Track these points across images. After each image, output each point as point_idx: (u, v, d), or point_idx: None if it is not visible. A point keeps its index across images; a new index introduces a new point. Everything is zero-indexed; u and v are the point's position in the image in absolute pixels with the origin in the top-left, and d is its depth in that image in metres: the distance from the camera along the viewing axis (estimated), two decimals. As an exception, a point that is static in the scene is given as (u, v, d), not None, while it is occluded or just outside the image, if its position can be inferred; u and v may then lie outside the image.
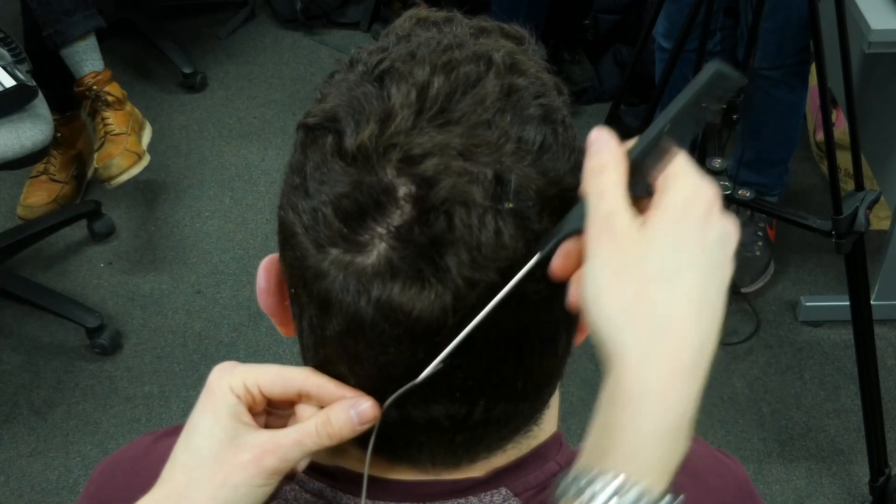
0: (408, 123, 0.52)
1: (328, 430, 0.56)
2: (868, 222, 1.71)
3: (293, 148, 0.58)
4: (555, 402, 0.64)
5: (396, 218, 0.51)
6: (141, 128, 2.39)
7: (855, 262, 1.77)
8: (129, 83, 2.70)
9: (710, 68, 0.51)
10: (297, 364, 0.60)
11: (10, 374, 2.12)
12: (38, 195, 2.46)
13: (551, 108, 0.56)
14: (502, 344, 0.54)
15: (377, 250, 0.52)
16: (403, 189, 0.51)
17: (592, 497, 0.48)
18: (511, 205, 0.52)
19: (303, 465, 0.61)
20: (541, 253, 0.52)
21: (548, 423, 0.64)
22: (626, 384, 0.49)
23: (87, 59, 2.27)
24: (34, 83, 1.94)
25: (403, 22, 0.60)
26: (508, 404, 0.58)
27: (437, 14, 0.60)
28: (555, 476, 0.66)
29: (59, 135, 2.37)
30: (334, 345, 0.56)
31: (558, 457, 0.64)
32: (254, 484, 0.56)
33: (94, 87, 2.28)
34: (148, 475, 0.59)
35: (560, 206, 0.54)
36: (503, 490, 0.62)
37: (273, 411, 0.60)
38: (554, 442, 0.64)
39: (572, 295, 0.52)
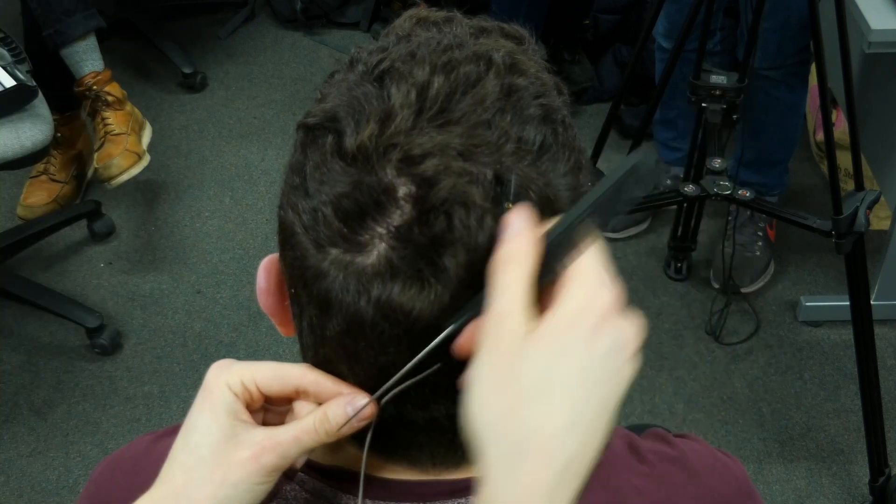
0: (408, 123, 0.52)
1: (326, 427, 0.57)
2: (868, 222, 1.71)
3: (293, 148, 0.58)
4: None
5: (396, 218, 0.52)
6: (141, 128, 2.39)
7: (855, 262, 1.77)
8: (129, 83, 2.70)
9: (630, 161, 0.51)
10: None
11: (10, 374, 2.12)
12: (38, 195, 2.46)
13: (551, 108, 0.56)
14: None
15: (377, 250, 0.52)
16: (403, 189, 0.52)
17: None
18: (511, 205, 0.52)
19: (301, 461, 0.61)
20: (449, 329, 0.52)
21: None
22: (488, 498, 0.49)
23: (87, 59, 2.27)
24: (34, 83, 1.94)
25: (403, 22, 0.60)
26: (508, 404, 0.58)
27: (437, 14, 0.60)
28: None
29: (59, 135, 2.37)
30: (334, 345, 0.56)
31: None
32: (253, 481, 0.56)
33: (94, 87, 2.28)
34: (148, 475, 0.59)
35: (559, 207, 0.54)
36: (503, 490, 0.62)
37: (271, 408, 0.61)
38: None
39: (465, 378, 0.52)
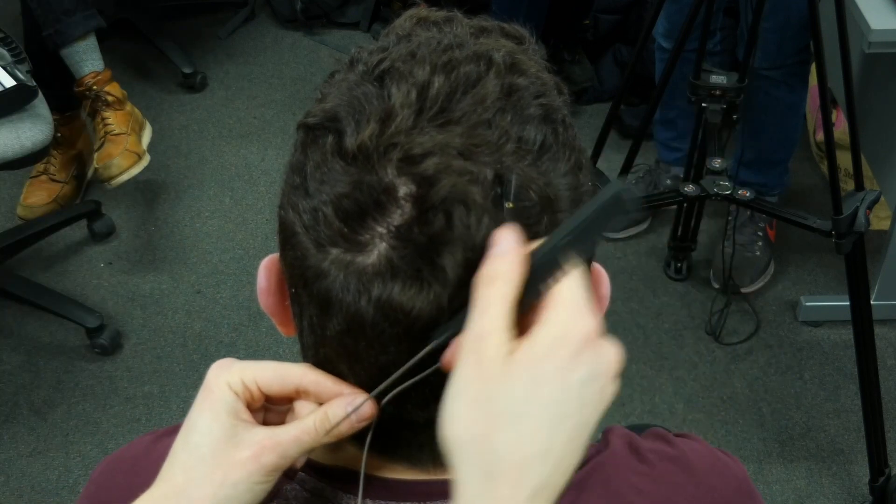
0: (408, 123, 0.52)
1: (326, 427, 0.57)
2: (868, 222, 1.71)
3: (293, 148, 0.58)
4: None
5: (397, 217, 0.52)
6: (141, 128, 2.39)
7: (855, 262, 1.77)
8: (129, 83, 2.70)
9: (611, 189, 0.51)
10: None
11: (10, 374, 2.12)
12: (38, 195, 2.46)
13: (552, 108, 0.56)
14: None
15: (377, 250, 0.52)
16: (404, 188, 0.52)
17: None
18: (511, 205, 0.52)
19: (301, 461, 0.61)
20: (433, 343, 0.53)
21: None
22: None
23: (87, 59, 2.27)
24: (34, 83, 1.94)
25: (404, 22, 0.60)
26: (508, 404, 0.58)
27: (438, 14, 0.60)
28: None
29: (59, 135, 2.37)
30: (334, 344, 0.56)
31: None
32: (253, 481, 0.56)
33: (94, 87, 2.28)
34: (148, 475, 0.59)
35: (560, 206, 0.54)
36: (503, 490, 0.62)
37: (271, 407, 0.61)
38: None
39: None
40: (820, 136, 2.51)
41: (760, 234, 2.32)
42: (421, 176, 0.51)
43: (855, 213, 1.70)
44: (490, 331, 0.50)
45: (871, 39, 1.75)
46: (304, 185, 0.55)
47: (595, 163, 1.99)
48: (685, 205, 2.17)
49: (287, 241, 0.56)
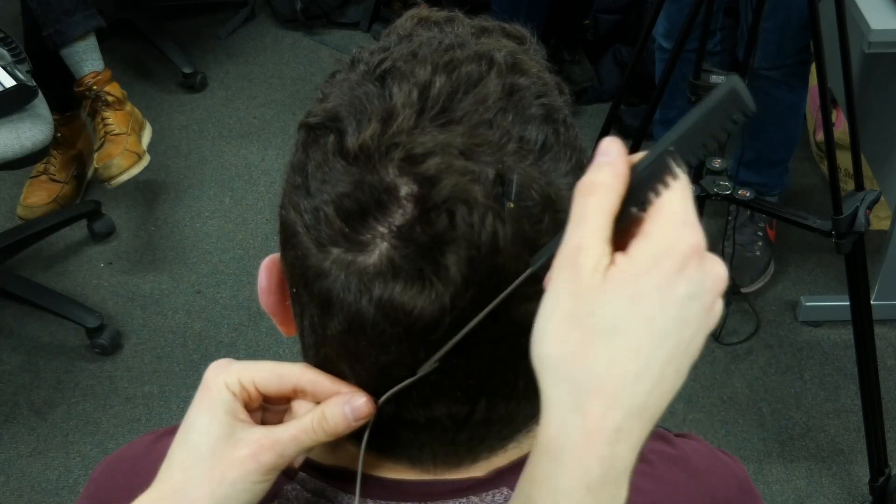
0: (410, 123, 0.52)
1: (324, 426, 0.57)
2: (868, 222, 1.71)
3: (294, 147, 0.58)
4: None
5: (398, 217, 0.51)
6: (141, 128, 2.39)
7: (855, 262, 1.77)
8: (129, 83, 2.70)
9: (726, 86, 0.48)
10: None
11: (10, 374, 2.12)
12: (38, 195, 2.46)
13: (553, 108, 0.56)
14: (503, 343, 0.54)
15: (379, 250, 0.52)
16: (405, 188, 0.52)
17: None
18: (512, 204, 0.52)
19: (299, 460, 0.61)
20: (532, 268, 0.51)
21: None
22: (549, 437, 0.48)
23: (87, 59, 2.27)
24: (34, 83, 1.94)
25: (405, 21, 0.60)
26: (510, 403, 0.58)
27: (439, 14, 0.60)
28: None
29: (59, 135, 2.36)
30: (335, 344, 0.56)
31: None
32: (251, 480, 0.56)
33: (94, 87, 2.28)
34: (148, 475, 0.59)
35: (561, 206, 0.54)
36: (504, 490, 0.62)
37: (269, 407, 0.61)
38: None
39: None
40: (820, 136, 2.51)
41: (760, 234, 2.32)
42: (422, 176, 0.51)
43: (855, 213, 1.70)
44: (588, 243, 0.48)
45: (871, 39, 1.75)
46: (305, 185, 0.55)
47: (595, 163, 1.98)
48: (685, 205, 2.17)
49: (288, 241, 0.56)
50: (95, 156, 2.30)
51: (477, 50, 0.56)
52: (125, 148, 2.26)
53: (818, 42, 1.61)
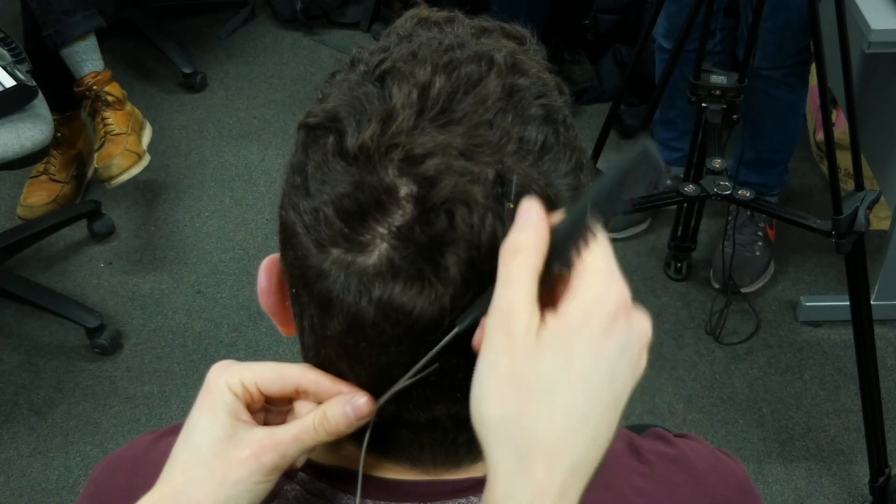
0: (409, 123, 0.52)
1: (325, 426, 0.57)
2: (868, 222, 1.71)
3: (294, 148, 0.58)
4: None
5: (398, 218, 0.51)
6: (141, 128, 2.39)
7: (855, 262, 1.77)
8: (129, 83, 2.70)
9: (635, 150, 0.50)
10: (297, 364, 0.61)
11: (10, 374, 2.12)
12: (38, 195, 2.46)
13: (553, 108, 0.56)
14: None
15: (378, 250, 0.52)
16: (405, 189, 0.52)
17: None
18: (512, 205, 0.52)
19: (301, 460, 0.60)
20: (458, 328, 0.52)
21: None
22: (497, 498, 0.49)
23: (87, 59, 2.27)
24: (34, 83, 1.94)
25: (405, 22, 0.60)
26: (510, 404, 0.58)
27: (439, 14, 0.60)
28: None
29: (59, 135, 2.36)
30: (335, 344, 0.56)
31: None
32: (253, 480, 0.56)
33: (94, 87, 2.28)
34: (148, 475, 0.59)
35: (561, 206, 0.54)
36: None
37: (272, 408, 0.61)
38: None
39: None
40: (820, 136, 2.51)
41: (760, 234, 2.32)
42: (422, 176, 0.51)
43: (855, 213, 1.70)
44: (518, 306, 0.49)
45: (871, 39, 1.75)
46: (304, 186, 0.55)
47: (595, 163, 1.99)
48: (685, 205, 2.17)
49: (288, 242, 0.56)
50: (95, 156, 2.30)
51: (477, 50, 0.56)
52: (125, 148, 2.26)
53: (818, 42, 1.61)
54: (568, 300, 0.50)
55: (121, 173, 2.24)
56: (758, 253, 2.30)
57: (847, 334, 2.10)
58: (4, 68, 1.89)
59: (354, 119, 0.54)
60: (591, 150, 1.98)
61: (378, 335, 0.54)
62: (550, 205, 0.53)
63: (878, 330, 1.93)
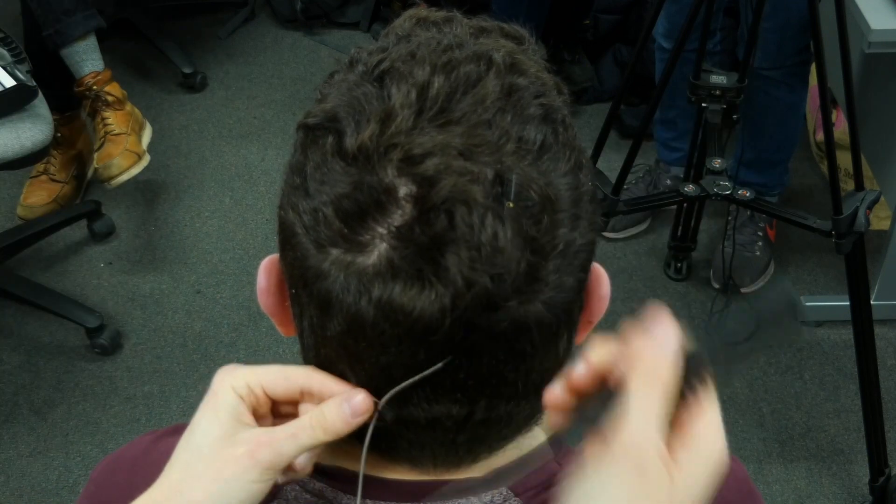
0: (408, 123, 0.52)
1: (322, 424, 0.56)
2: (868, 222, 1.71)
3: (293, 148, 0.58)
4: (555, 402, 0.64)
5: (397, 218, 0.51)
6: (141, 128, 2.40)
7: (855, 262, 1.77)
8: (129, 83, 2.70)
9: (783, 293, 0.49)
10: (297, 364, 0.60)
11: (10, 374, 2.12)
12: (38, 195, 2.46)
13: (552, 108, 0.56)
14: (503, 344, 0.54)
15: (378, 250, 0.52)
16: (404, 189, 0.51)
17: None
18: (512, 204, 0.52)
19: (307, 468, 0.59)
20: (569, 439, 0.51)
21: (548, 423, 0.64)
22: None
23: (87, 59, 2.27)
24: (34, 83, 1.94)
25: (403, 22, 0.60)
26: (509, 404, 0.58)
27: (437, 14, 0.60)
28: (555, 475, 0.66)
29: (59, 135, 2.36)
30: (335, 345, 0.56)
31: (559, 456, 0.64)
32: (247, 478, 0.55)
33: (94, 87, 2.28)
34: (148, 475, 0.59)
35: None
36: (504, 490, 0.62)
37: (280, 414, 0.60)
38: (555, 442, 0.64)
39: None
40: (820, 136, 2.51)
41: (760, 234, 2.32)
42: (421, 176, 0.51)
43: (855, 213, 1.70)
44: (651, 440, 0.49)
45: (871, 39, 1.75)
46: (304, 186, 0.55)
47: (595, 163, 1.99)
48: (685, 205, 2.17)
49: (287, 242, 0.56)
50: (95, 156, 2.30)
51: (475, 50, 0.56)
52: (125, 148, 2.26)
53: (818, 42, 1.61)
54: (692, 447, 0.50)
55: (121, 173, 2.24)
56: (758, 253, 2.30)
57: (847, 334, 2.10)
58: (4, 68, 1.89)
59: (353, 119, 0.54)
60: (592, 150, 1.98)
61: (378, 335, 0.53)
62: (550, 204, 0.53)
63: (878, 330, 1.93)
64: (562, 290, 0.54)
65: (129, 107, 2.36)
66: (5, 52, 1.95)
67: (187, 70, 2.86)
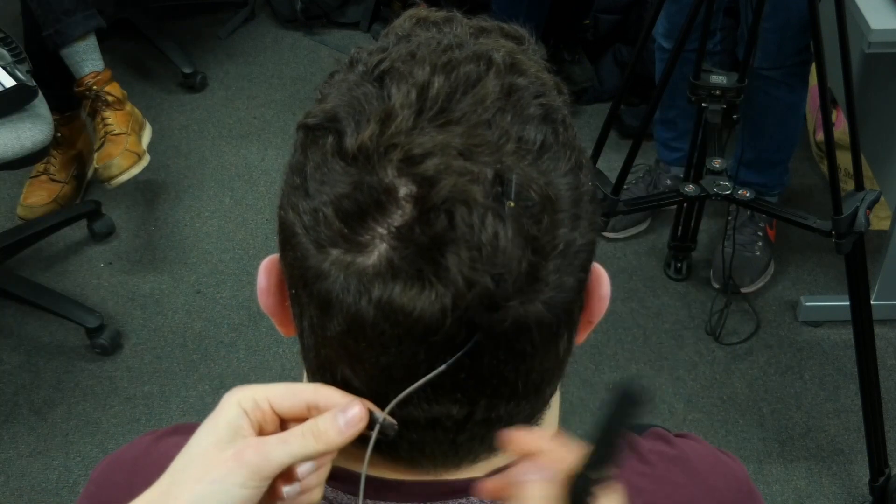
0: (408, 123, 0.52)
1: (314, 433, 0.55)
2: (868, 222, 1.71)
3: (293, 148, 0.58)
4: (555, 401, 0.64)
5: (397, 218, 0.51)
6: (141, 128, 2.40)
7: (855, 262, 1.77)
8: (129, 83, 2.70)
9: (618, 390, 0.52)
10: (298, 364, 0.60)
11: (10, 374, 2.12)
12: (38, 195, 2.46)
13: (551, 108, 0.56)
14: (504, 344, 0.54)
15: (378, 250, 0.52)
16: (404, 189, 0.51)
17: None
18: (512, 204, 0.52)
19: (302, 472, 0.58)
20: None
21: (548, 423, 0.64)
22: None
23: (87, 59, 2.27)
24: (34, 83, 1.94)
25: (403, 22, 0.60)
26: (510, 404, 0.58)
27: (437, 14, 0.60)
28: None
29: (59, 135, 2.37)
30: (335, 345, 0.56)
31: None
32: (232, 481, 0.54)
33: (94, 87, 2.28)
34: (148, 475, 0.58)
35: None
36: (504, 490, 0.62)
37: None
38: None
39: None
40: (820, 136, 2.51)
41: (760, 234, 2.32)
42: (421, 176, 0.51)
43: (855, 213, 1.70)
44: None
45: (871, 39, 1.75)
46: (304, 186, 0.55)
47: (595, 163, 1.99)
48: (685, 205, 2.17)
49: (287, 242, 0.56)
50: (95, 156, 2.30)
51: (475, 50, 0.56)
52: (125, 148, 2.26)
53: (818, 42, 1.61)
54: None
55: (121, 173, 2.24)
56: (758, 253, 2.30)
57: (847, 334, 2.10)
58: (4, 68, 1.89)
59: (353, 119, 0.54)
60: (592, 150, 1.98)
61: (378, 335, 0.53)
62: (551, 204, 0.53)
63: (878, 330, 1.93)
64: (562, 290, 0.54)
65: (129, 107, 2.36)
66: (5, 52, 1.95)
67: (187, 70, 2.87)
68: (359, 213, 0.52)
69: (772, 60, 2.07)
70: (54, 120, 2.05)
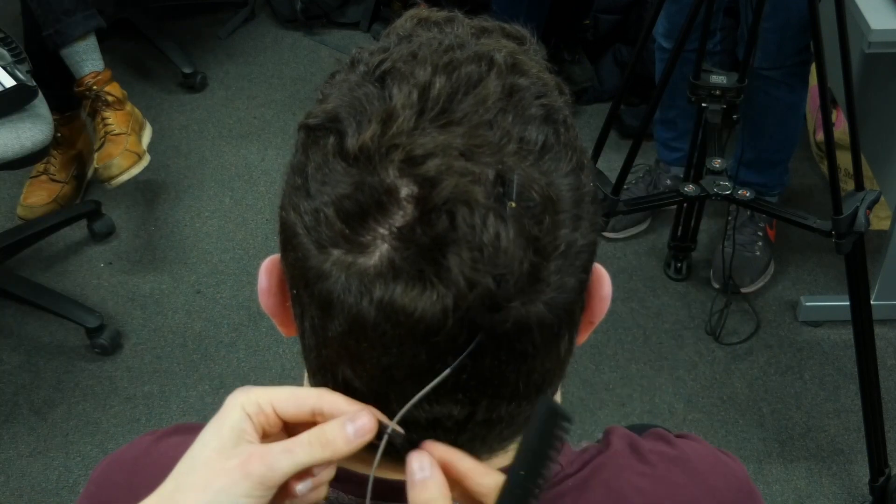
0: (410, 124, 0.52)
1: (321, 441, 0.55)
2: (868, 222, 1.71)
3: (294, 148, 0.58)
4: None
5: (398, 218, 0.51)
6: (141, 128, 2.40)
7: (855, 262, 1.77)
8: (129, 83, 2.70)
9: (541, 408, 0.53)
10: (298, 364, 0.60)
11: (10, 374, 2.12)
12: (38, 195, 2.46)
13: (553, 108, 0.56)
14: (505, 345, 0.54)
15: (379, 251, 0.52)
16: (405, 190, 0.51)
17: None
18: (513, 205, 0.52)
19: (303, 487, 0.57)
20: None
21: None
22: None
23: (87, 59, 2.27)
24: (34, 83, 1.94)
25: (404, 22, 0.60)
26: (510, 405, 0.58)
27: (439, 14, 0.60)
28: (556, 476, 0.66)
29: (59, 135, 2.37)
30: (336, 345, 0.56)
31: (560, 457, 0.64)
32: (237, 492, 0.54)
33: (94, 87, 2.28)
34: (148, 475, 0.58)
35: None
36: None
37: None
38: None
39: None
40: (820, 136, 2.51)
41: (760, 234, 2.32)
42: (423, 177, 0.51)
43: (855, 213, 1.70)
44: None
45: (871, 39, 1.75)
46: (305, 186, 0.55)
47: (595, 163, 1.99)
48: (685, 205, 2.18)
49: (288, 242, 0.56)
50: (95, 156, 2.30)
51: (477, 50, 0.56)
52: (125, 148, 2.26)
53: (818, 42, 1.61)
54: None
55: (121, 173, 2.24)
56: (758, 253, 2.30)
57: (847, 334, 2.10)
58: (4, 68, 1.89)
59: (354, 120, 0.54)
60: (592, 150, 1.98)
61: (379, 336, 0.53)
62: (552, 205, 0.53)
63: (878, 330, 1.94)
64: (563, 291, 0.54)
65: (129, 107, 2.36)
66: (5, 52, 1.95)
67: (187, 70, 2.87)
68: (360, 213, 0.52)
69: (772, 60, 2.07)
70: (54, 120, 2.05)
